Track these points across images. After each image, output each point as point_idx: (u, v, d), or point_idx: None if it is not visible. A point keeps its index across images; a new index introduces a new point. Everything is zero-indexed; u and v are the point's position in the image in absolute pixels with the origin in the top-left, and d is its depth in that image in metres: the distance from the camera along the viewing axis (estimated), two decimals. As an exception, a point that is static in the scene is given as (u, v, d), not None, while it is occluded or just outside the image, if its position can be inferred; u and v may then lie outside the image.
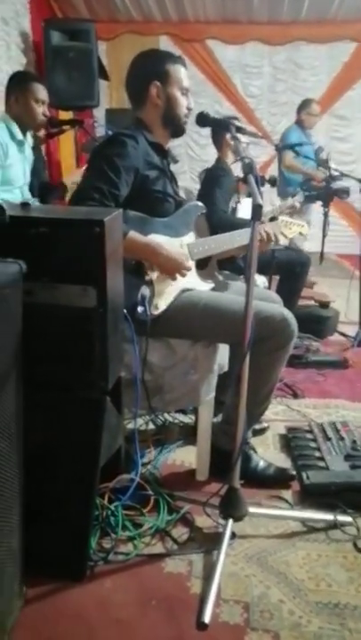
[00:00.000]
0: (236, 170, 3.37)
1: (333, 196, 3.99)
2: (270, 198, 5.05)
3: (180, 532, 1.77)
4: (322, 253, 4.03)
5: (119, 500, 1.80)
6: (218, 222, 2.31)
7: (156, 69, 2.01)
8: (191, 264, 2.05)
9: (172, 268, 1.90)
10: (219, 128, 2.95)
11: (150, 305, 1.87)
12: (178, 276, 1.92)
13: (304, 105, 5.20)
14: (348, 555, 1.70)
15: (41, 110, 3.02)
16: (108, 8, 5.83)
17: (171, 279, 1.93)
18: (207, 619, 1.42)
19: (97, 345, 1.47)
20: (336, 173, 4.11)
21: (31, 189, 3.26)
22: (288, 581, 1.58)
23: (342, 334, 3.79)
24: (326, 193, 3.97)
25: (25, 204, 1.55)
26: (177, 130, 2.09)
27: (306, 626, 1.43)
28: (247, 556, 1.68)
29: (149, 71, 2.02)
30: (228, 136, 3.26)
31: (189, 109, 2.07)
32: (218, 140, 3.39)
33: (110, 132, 3.27)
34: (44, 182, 3.73)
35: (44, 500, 1.51)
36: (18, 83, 3.04)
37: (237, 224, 2.19)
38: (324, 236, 4.03)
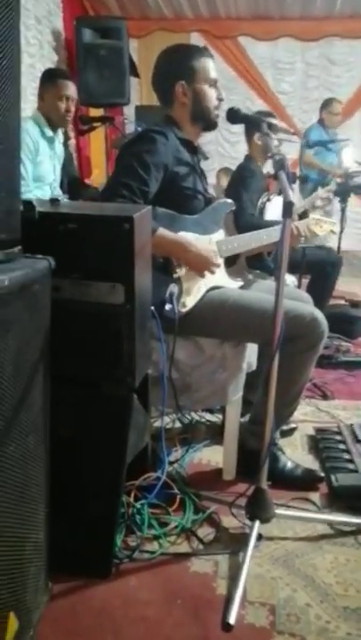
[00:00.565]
0: (267, 167, 3.33)
1: (350, 192, 4.03)
2: (299, 196, 5.00)
3: (206, 532, 1.76)
4: (339, 248, 4.05)
5: (145, 498, 1.79)
6: (245, 225, 2.29)
7: (179, 68, 1.98)
8: (220, 261, 2.03)
9: (201, 265, 1.88)
10: (250, 125, 2.92)
11: (178, 303, 1.86)
12: (207, 273, 1.91)
13: (326, 104, 5.25)
14: (378, 560, 1.66)
15: (64, 107, 3.02)
16: (139, 5, 5.84)
17: (200, 276, 1.92)
18: (232, 620, 1.41)
19: (124, 342, 1.46)
20: (356, 169, 4.14)
21: (61, 186, 3.28)
22: (315, 585, 1.56)
23: (373, 335, 3.72)
24: (344, 189, 4.00)
25: (54, 200, 1.56)
26: (208, 124, 2.06)
27: (334, 631, 1.41)
28: (273, 558, 1.66)
29: (173, 70, 1.99)
30: (256, 136, 3.22)
31: (220, 100, 2.03)
32: (249, 138, 3.35)
33: (140, 129, 3.26)
34: (75, 177, 3.75)
35: (71, 496, 1.51)
36: (46, 80, 3.06)
37: (264, 227, 2.16)
38: (341, 231, 4.06)
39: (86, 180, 4.69)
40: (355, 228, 6.83)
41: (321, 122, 5.21)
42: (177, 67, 1.99)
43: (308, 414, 2.59)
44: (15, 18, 1.05)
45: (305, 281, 3.54)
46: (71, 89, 3.06)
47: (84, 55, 4.68)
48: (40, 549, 1.35)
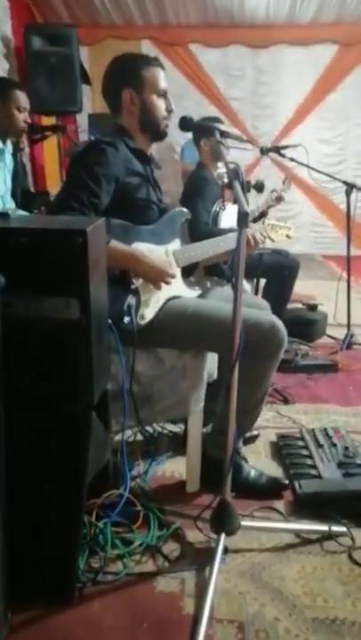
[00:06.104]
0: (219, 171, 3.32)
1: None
2: (256, 202, 5.03)
3: (172, 548, 1.72)
4: None
5: (108, 516, 1.74)
6: (199, 235, 2.26)
7: (128, 76, 1.96)
8: (176, 271, 2.00)
9: (155, 277, 1.85)
10: (202, 133, 2.91)
11: (136, 314, 1.83)
12: (163, 285, 1.88)
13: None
14: (344, 567, 1.66)
15: (22, 118, 2.97)
16: (89, 12, 5.79)
17: (156, 288, 1.88)
18: (200, 641, 1.37)
19: (81, 358, 1.42)
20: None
21: (14, 197, 3.20)
22: (283, 597, 1.54)
23: (331, 337, 3.76)
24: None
25: (4, 215, 1.50)
26: (156, 134, 2.03)
27: (302, 644, 1.39)
28: (240, 572, 1.63)
29: (121, 78, 1.97)
30: (202, 142, 3.22)
31: (170, 111, 2.01)
32: (197, 144, 3.33)
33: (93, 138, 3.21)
34: (26, 190, 3.67)
35: (30, 520, 1.45)
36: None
37: (219, 235, 2.14)
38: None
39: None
40: (311, 231, 6.96)
41: None
42: (126, 74, 1.96)
43: (269, 420, 2.59)
44: None
45: (262, 286, 3.54)
46: (25, 99, 3.00)
47: (33, 63, 4.60)
48: (-2, 579, 1.29)
